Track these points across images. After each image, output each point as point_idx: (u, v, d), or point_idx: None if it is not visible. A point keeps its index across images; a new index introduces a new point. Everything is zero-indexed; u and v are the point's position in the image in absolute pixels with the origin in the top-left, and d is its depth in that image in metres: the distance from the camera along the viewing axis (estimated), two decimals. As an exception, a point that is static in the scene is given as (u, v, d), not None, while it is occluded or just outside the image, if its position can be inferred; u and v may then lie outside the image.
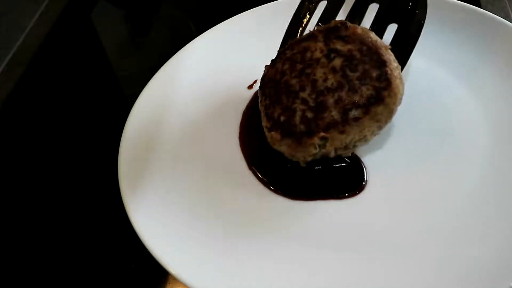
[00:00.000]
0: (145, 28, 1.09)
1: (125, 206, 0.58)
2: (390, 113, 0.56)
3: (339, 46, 0.58)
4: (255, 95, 0.72)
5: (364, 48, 0.57)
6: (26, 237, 0.69)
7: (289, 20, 0.70)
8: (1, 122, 0.90)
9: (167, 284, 0.60)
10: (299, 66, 0.60)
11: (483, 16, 0.71)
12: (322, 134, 0.55)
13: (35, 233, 0.69)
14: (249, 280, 0.51)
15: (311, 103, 0.56)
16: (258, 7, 0.82)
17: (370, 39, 0.58)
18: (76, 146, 0.81)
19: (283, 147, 0.58)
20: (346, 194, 0.58)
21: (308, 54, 0.60)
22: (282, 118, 0.58)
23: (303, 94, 0.57)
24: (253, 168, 0.62)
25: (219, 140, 0.67)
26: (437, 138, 0.61)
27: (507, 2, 0.85)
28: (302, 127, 0.56)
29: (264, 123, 0.61)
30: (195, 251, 0.54)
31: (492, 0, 0.86)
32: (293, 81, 0.59)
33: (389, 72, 0.56)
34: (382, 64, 0.56)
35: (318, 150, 0.56)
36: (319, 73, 0.58)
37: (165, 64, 0.75)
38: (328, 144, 0.56)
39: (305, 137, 0.56)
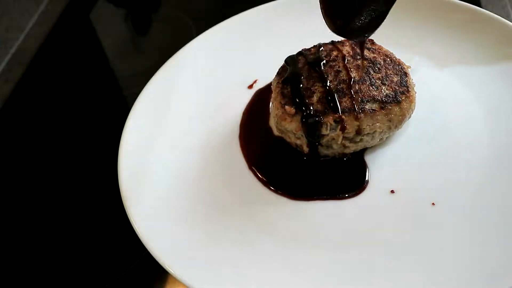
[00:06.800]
0: (145, 27, 1.09)
1: (124, 206, 0.58)
2: (403, 117, 0.58)
3: (365, 52, 0.62)
4: (255, 95, 0.72)
5: (388, 59, 0.62)
6: (26, 237, 0.69)
7: (289, 20, 0.70)
8: (1, 122, 0.90)
9: (167, 284, 0.60)
10: (324, 59, 0.61)
11: (483, 16, 0.71)
12: (338, 115, 0.56)
13: (35, 233, 0.69)
14: (249, 280, 0.51)
15: (332, 88, 0.58)
16: (258, 6, 0.82)
17: (394, 56, 0.63)
18: (76, 146, 0.81)
19: (293, 124, 0.58)
20: (347, 195, 0.58)
21: (335, 52, 0.62)
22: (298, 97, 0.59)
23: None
24: (253, 168, 0.62)
25: (219, 140, 0.67)
26: (437, 138, 0.61)
27: (507, 2, 0.85)
28: (318, 106, 0.57)
29: (278, 99, 0.61)
30: (195, 251, 0.54)
31: (492, 0, 0.86)
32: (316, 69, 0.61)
33: (409, 81, 0.60)
34: (403, 74, 0.61)
35: (328, 131, 0.57)
36: (343, 66, 0.60)
37: (165, 64, 0.75)
38: (339, 128, 0.57)
39: (320, 116, 0.57)
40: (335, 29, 0.55)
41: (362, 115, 0.56)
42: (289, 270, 0.51)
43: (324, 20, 0.55)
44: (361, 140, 0.58)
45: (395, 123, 0.58)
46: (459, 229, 0.52)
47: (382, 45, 0.64)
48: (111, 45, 1.03)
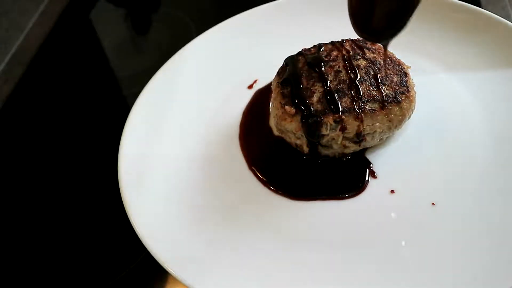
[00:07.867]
0: (145, 27, 1.09)
1: (124, 206, 0.58)
2: (403, 117, 0.58)
3: (365, 52, 0.62)
4: (255, 95, 0.72)
5: (388, 59, 0.62)
6: (26, 237, 0.69)
7: (289, 20, 0.69)
8: (1, 122, 0.90)
9: (167, 284, 0.60)
10: (324, 59, 0.62)
11: (483, 16, 0.71)
12: (338, 115, 0.56)
13: (35, 233, 0.69)
14: (249, 280, 0.51)
15: (332, 88, 0.58)
16: (258, 7, 0.82)
17: (394, 56, 0.63)
18: (76, 146, 0.81)
19: (294, 124, 0.58)
20: (347, 195, 0.58)
21: (335, 52, 0.62)
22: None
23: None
24: (253, 168, 0.62)
25: (219, 140, 0.67)
26: (437, 138, 0.61)
27: (507, 2, 0.85)
28: (318, 106, 0.57)
29: (278, 99, 0.61)
30: (195, 251, 0.54)
31: (492, 0, 0.86)
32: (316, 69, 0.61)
33: (409, 81, 0.60)
34: (403, 74, 0.61)
35: (328, 131, 0.57)
36: (343, 66, 0.60)
37: (165, 64, 0.75)
38: (339, 128, 0.57)
39: (320, 116, 0.57)
40: (361, 31, 0.52)
41: (362, 115, 0.57)
42: (289, 270, 0.51)
43: (351, 25, 0.52)
44: (361, 140, 0.59)
45: (395, 123, 0.58)
46: (459, 229, 0.52)
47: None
48: (111, 45, 1.03)
